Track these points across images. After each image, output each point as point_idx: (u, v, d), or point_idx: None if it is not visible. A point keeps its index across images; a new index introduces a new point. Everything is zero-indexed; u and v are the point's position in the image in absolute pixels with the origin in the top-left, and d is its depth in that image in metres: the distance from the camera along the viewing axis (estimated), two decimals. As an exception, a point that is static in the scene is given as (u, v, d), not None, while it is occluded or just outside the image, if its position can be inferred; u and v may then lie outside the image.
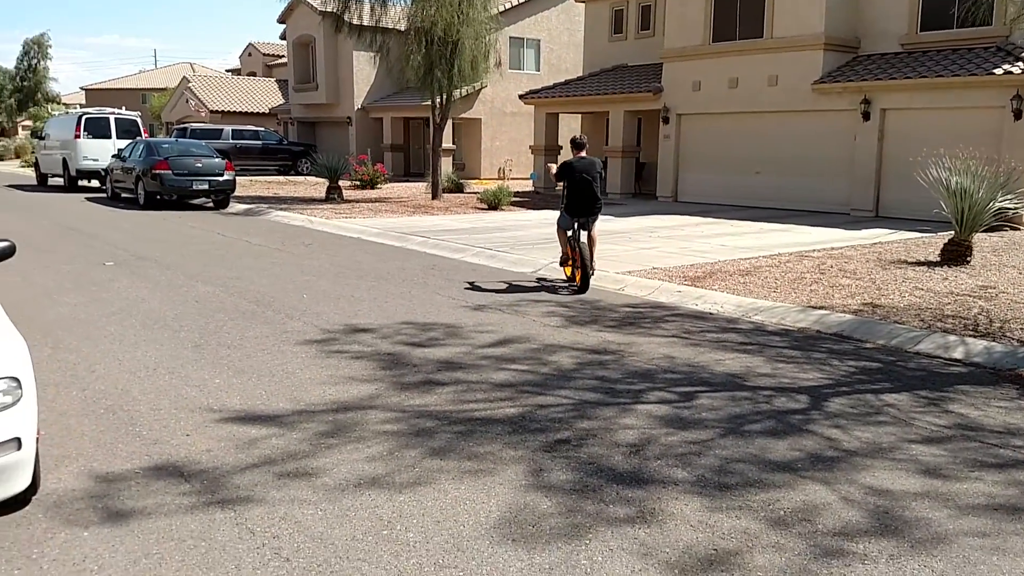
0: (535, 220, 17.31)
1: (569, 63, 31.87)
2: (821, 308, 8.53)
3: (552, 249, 12.57)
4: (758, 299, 9.02)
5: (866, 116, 18.10)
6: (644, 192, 24.13)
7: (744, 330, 7.91)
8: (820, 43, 18.74)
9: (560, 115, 26.65)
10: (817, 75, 18.86)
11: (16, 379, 3.51)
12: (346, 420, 5.18)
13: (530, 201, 21.98)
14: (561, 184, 10.14)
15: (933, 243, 13.28)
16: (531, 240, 13.81)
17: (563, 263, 10.29)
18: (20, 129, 76.78)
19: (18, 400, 3.48)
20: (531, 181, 26.80)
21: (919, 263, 11.54)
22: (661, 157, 22.78)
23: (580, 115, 27.73)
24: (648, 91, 22.31)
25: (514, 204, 20.57)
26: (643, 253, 12.44)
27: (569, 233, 10.00)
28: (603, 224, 16.08)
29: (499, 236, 14.25)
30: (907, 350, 7.19)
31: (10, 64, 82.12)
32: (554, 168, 10.34)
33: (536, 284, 10.31)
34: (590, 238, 9.91)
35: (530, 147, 27.49)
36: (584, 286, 9.71)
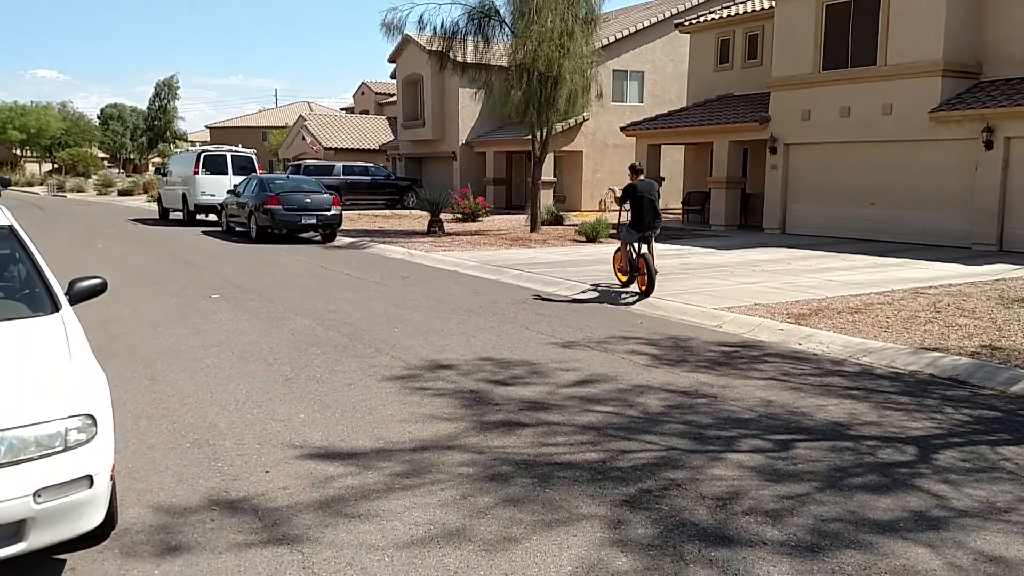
0: (634, 253, 17.03)
1: (673, 94, 31.52)
2: (935, 350, 7.96)
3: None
4: (867, 339, 8.51)
5: (988, 145, 17.06)
6: (750, 224, 23.47)
7: (850, 373, 7.45)
8: (938, 69, 17.85)
9: (663, 147, 26.31)
10: (935, 103, 17.95)
11: (92, 416, 3.57)
12: (423, 461, 5.10)
13: (631, 234, 21.66)
14: (624, 206, 11.83)
15: (1066, 279, 12.31)
16: (628, 274, 13.54)
17: (624, 273, 11.79)
18: (150, 165, 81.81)
19: (92, 438, 3.53)
20: (632, 213, 26.48)
21: (1049, 301, 10.68)
22: (768, 188, 22.12)
23: (683, 146, 27.32)
24: (755, 120, 21.78)
25: (612, 236, 20.31)
26: (745, 288, 12.00)
27: (636, 246, 11.49)
28: (704, 257, 15.79)
29: (593, 269, 14.06)
30: (1033, 398, 6.59)
31: (143, 105, 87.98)
32: (618, 191, 11.74)
33: (598, 293, 11.69)
34: (650, 249, 11.42)
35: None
36: (650, 290, 11.05)
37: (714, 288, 11.96)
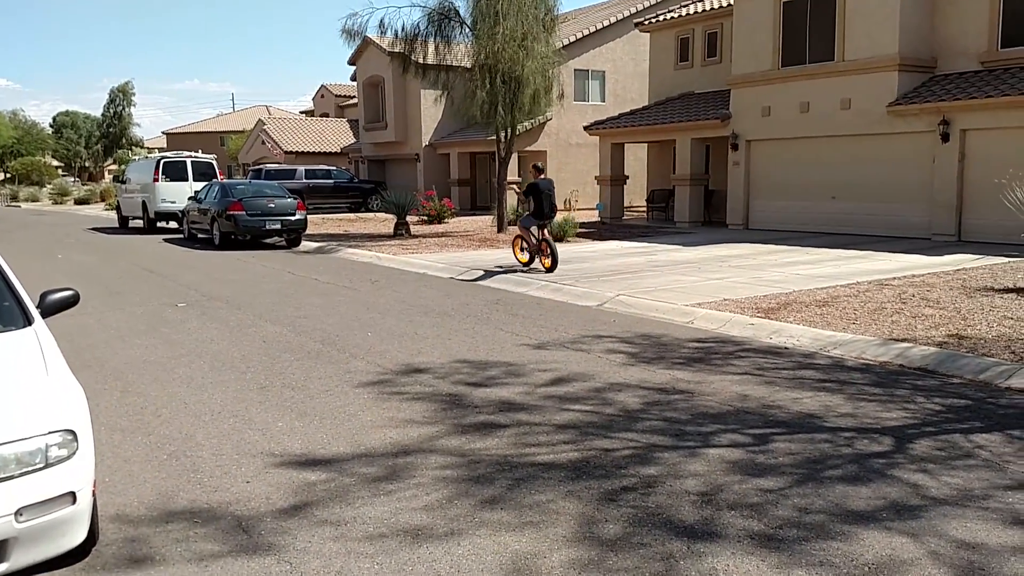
0: (601, 251, 17.12)
1: (635, 92, 31.74)
2: (903, 341, 8.11)
3: (619, 281, 12.38)
4: (836, 332, 8.64)
5: (945, 138, 17.43)
6: (714, 220, 23.72)
7: (822, 366, 7.56)
8: (895, 64, 18.19)
9: (626, 145, 26.49)
10: (892, 97, 18.29)
11: (72, 432, 3.50)
12: (405, 465, 5.07)
13: (596, 232, 21.79)
14: (528, 198, 14.34)
15: (1023, 268, 12.61)
16: (597, 272, 13.61)
17: (531, 253, 14.18)
18: (106, 173, 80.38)
19: (73, 453, 3.46)
20: (597, 212, 26.64)
21: (1008, 290, 10.94)
22: (731, 184, 22.38)
23: (646, 144, 27.52)
24: (716, 118, 22.01)
25: (580, 235, 20.43)
26: (713, 284, 12.12)
27: (535, 231, 14.05)
28: (671, 254, 15.93)
29: (563, 268, 14.09)
30: (998, 385, 6.75)
31: (98, 111, 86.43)
32: (519, 188, 15.30)
33: (507, 268, 13.97)
34: (549, 233, 14.29)
35: (596, 178, 27.38)
36: (555, 266, 13.56)
37: (683, 285, 12.06)
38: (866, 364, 7.59)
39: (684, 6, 26.35)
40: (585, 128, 27.35)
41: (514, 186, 16.09)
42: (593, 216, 26.67)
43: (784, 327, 8.97)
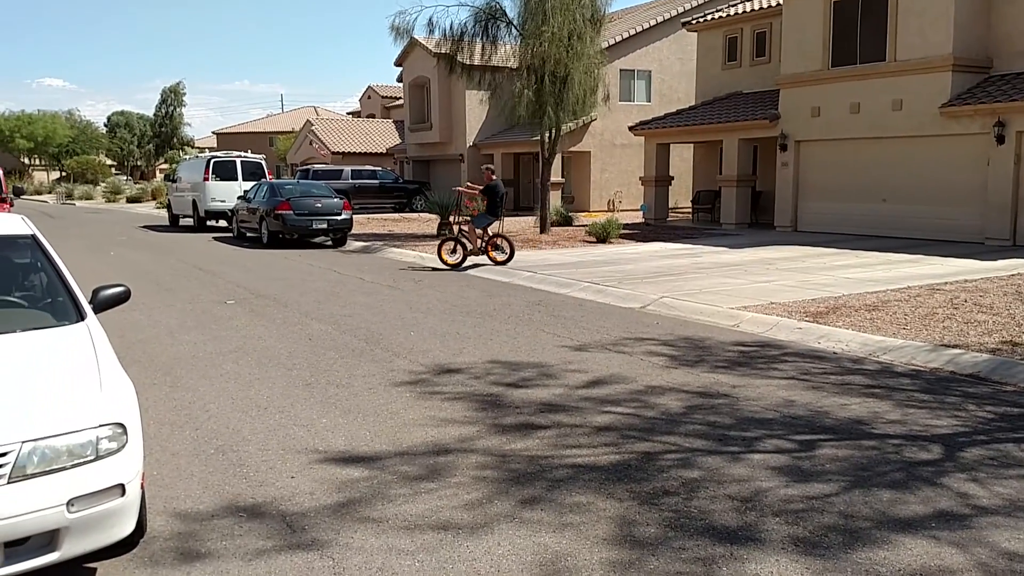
0: (645, 253, 17.02)
1: (681, 92, 31.49)
2: (955, 347, 7.93)
3: (663, 283, 12.29)
4: (886, 337, 8.47)
5: (1000, 140, 16.97)
6: (761, 222, 23.41)
7: (870, 371, 7.42)
8: (948, 64, 17.77)
9: (671, 145, 26.29)
10: (945, 98, 17.87)
11: (122, 425, 3.59)
12: (445, 464, 5.10)
13: (640, 233, 21.66)
14: (484, 199, 15.88)
15: (1082, 274, 12.23)
16: (640, 274, 13.54)
17: (474, 252, 15.24)
18: (157, 172, 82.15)
19: (123, 446, 3.54)
20: (641, 213, 26.49)
21: (1067, 296, 10.62)
22: (779, 186, 22.06)
23: (692, 144, 27.28)
24: (764, 118, 21.73)
25: (623, 236, 20.32)
26: (760, 287, 11.96)
27: (489, 230, 15.45)
28: (717, 256, 15.76)
29: (607, 270, 14.05)
30: (1055, 394, 6.55)
31: (150, 111, 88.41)
32: (468, 189, 16.83)
33: (469, 264, 15.28)
34: (501, 230, 15.65)
35: (640, 178, 27.21)
36: (512, 256, 15.18)
37: (729, 287, 11.93)
38: (916, 370, 7.43)
39: (732, 5, 26.05)
40: (630, 128, 27.20)
41: (470, 185, 17.31)
42: (637, 217, 26.52)
43: (832, 331, 8.82)
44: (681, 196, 30.01)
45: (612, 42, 29.69)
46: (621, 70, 31.56)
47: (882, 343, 8.25)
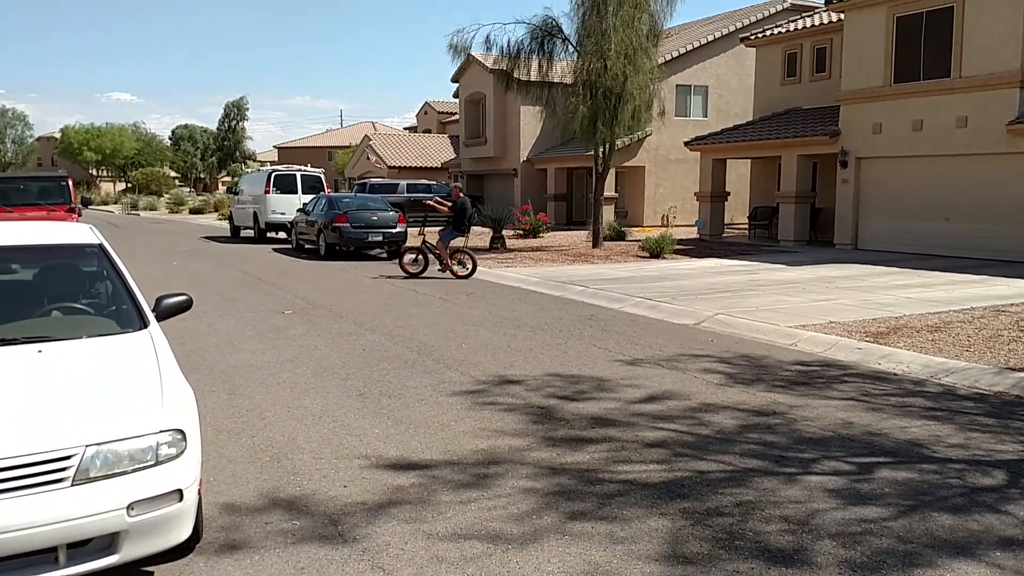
0: (699, 269, 16.84)
1: (738, 108, 31.17)
2: (1021, 370, 7.66)
3: (718, 299, 12.15)
4: (949, 359, 8.24)
5: (1073, 156, 16.42)
6: (820, 240, 22.99)
7: (932, 394, 7.22)
8: (1016, 81, 17.28)
9: (728, 161, 26.03)
10: (1012, 115, 17.36)
11: (181, 431, 3.67)
12: (494, 475, 5.11)
13: (694, 249, 21.46)
14: (451, 213, 16.54)
15: None
16: (694, 290, 13.40)
17: (443, 266, 16.20)
18: (220, 184, 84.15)
19: (182, 452, 3.62)
20: (696, 228, 26.24)
21: None
22: (839, 203, 21.66)
23: (749, 160, 26.98)
24: (824, 134, 21.38)
25: (677, 252, 20.15)
26: (819, 305, 11.74)
27: (456, 244, 16.35)
28: (774, 274, 15.53)
29: (660, 285, 13.94)
30: None
31: (213, 125, 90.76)
32: (437, 204, 17.35)
33: (437, 274, 16.22)
34: (465, 243, 16.49)
35: (695, 194, 26.98)
36: (474, 271, 16.07)
37: (787, 305, 11.74)
38: (980, 393, 7.21)
39: (792, 21, 25.76)
40: (686, 143, 27.01)
41: (440, 200, 17.69)
42: (692, 233, 26.28)
43: (893, 352, 8.61)
44: (737, 212, 29.66)
45: (668, 57, 29.57)
46: (677, 85, 31.40)
47: (944, 365, 8.02)
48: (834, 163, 21.72)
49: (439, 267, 16.33)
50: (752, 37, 26.67)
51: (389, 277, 16.12)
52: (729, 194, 26.41)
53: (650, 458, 5.46)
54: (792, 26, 25.14)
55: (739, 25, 31.05)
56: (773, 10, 30.76)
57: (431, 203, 17.55)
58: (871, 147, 20.55)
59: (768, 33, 25.89)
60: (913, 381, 7.68)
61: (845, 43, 21.12)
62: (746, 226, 27.25)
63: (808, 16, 25.64)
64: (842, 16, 21.59)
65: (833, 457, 5.49)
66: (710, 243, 23.56)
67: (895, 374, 7.95)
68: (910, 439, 5.87)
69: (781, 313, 11.03)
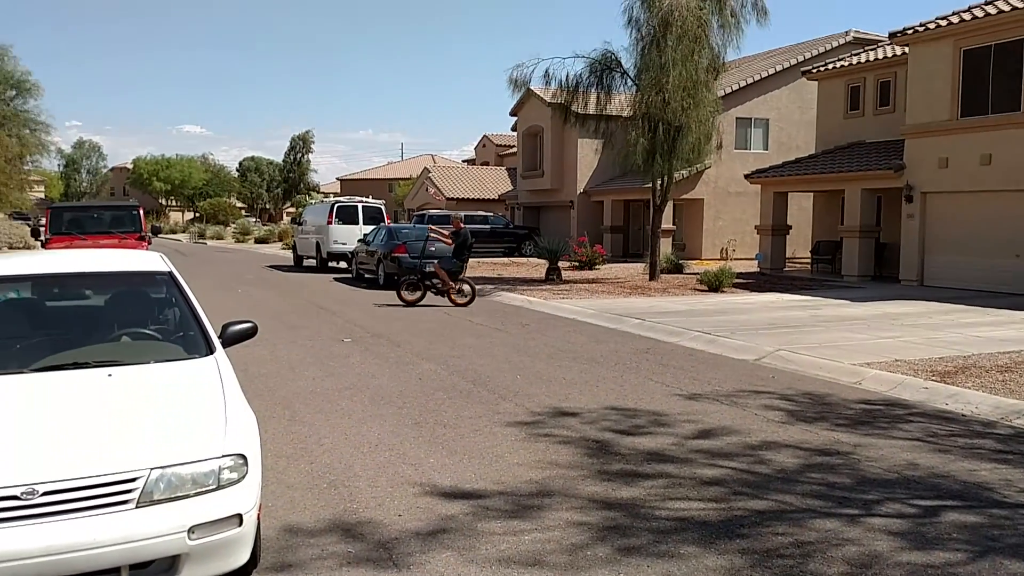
0: (760, 303, 16.59)
1: (800, 141, 30.81)
2: (1100, 414, 7.34)
3: (779, 335, 11.95)
4: (1020, 400, 7.95)
5: None
6: (885, 275, 22.46)
7: (1002, 436, 6.96)
8: (1092, 112, 16.75)
9: (789, 194, 25.69)
10: (1089, 147, 16.82)
11: (243, 456, 3.74)
12: (547, 507, 5.08)
13: (755, 283, 21.15)
14: (453, 243, 16.84)
15: None
16: (755, 325, 13.19)
17: (441, 293, 16.62)
18: (284, 215, 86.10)
19: (243, 477, 3.69)
20: (756, 262, 25.89)
21: None
22: (904, 238, 21.16)
23: (812, 194, 26.58)
24: (888, 168, 20.97)
25: (737, 286, 19.88)
26: (884, 343, 11.45)
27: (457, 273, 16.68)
28: (837, 309, 15.23)
29: (719, 319, 13.76)
30: None
31: (279, 157, 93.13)
32: (436, 234, 17.75)
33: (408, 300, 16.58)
34: (464, 272, 17.07)
35: (755, 227, 26.66)
36: (472, 301, 16.50)
37: (850, 342, 11.48)
38: (1055, 437, 6.92)
39: (855, 55, 25.45)
40: (746, 176, 26.76)
41: (436, 230, 18.12)
42: (752, 267, 25.93)
43: (961, 392, 8.34)
44: (799, 246, 29.20)
45: (729, 90, 29.45)
46: (737, 118, 31.23)
47: (1016, 407, 7.73)
48: (899, 197, 21.27)
49: (438, 293, 16.65)
50: (814, 71, 26.41)
51: (445, 307, 16.24)
52: (791, 228, 26.03)
53: (707, 495, 5.37)
54: (855, 59, 24.84)
55: (800, 58, 30.79)
56: (835, 43, 30.43)
57: (431, 232, 18.12)
58: (937, 182, 20.08)
59: (830, 67, 25.61)
60: (982, 423, 7.42)
61: (910, 76, 20.77)
62: (808, 260, 26.79)
63: (871, 49, 25.29)
64: (907, 49, 21.25)
65: (897, 499, 5.33)
66: (771, 277, 23.20)
67: (963, 415, 7.70)
68: (979, 482, 5.66)
69: (845, 350, 10.78)
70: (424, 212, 36.52)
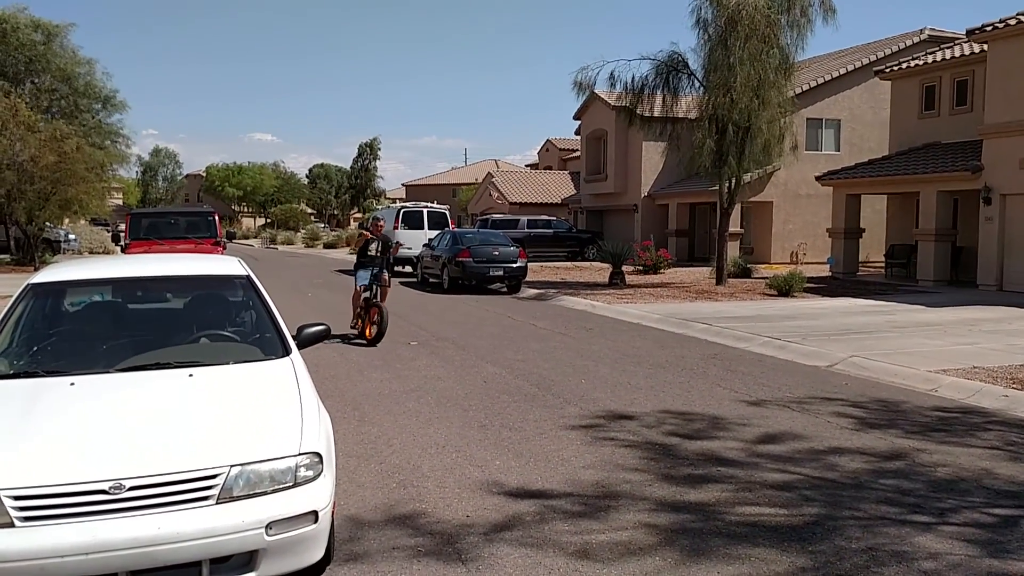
0: (832, 308, 16.23)
1: (872, 142, 30.03)
2: None
3: (852, 341, 11.70)
4: (1107, 409, 7.62)
5: None
6: (962, 280, 21.73)
7: (1087, 445, 6.69)
8: None
9: (863, 196, 25.08)
10: None
11: (319, 455, 3.85)
12: (616, 509, 5.09)
13: (826, 287, 20.69)
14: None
15: None
16: (827, 330, 12.91)
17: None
18: (351, 220, 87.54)
19: (319, 475, 3.80)
20: (828, 266, 25.33)
21: None
22: (982, 241, 20.45)
23: (885, 196, 25.89)
24: (965, 169, 20.31)
25: (808, 290, 19.48)
26: (961, 349, 11.10)
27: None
28: (912, 315, 14.82)
29: (789, 325, 13.52)
30: None
31: (347, 164, 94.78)
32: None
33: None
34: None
35: (827, 230, 26.08)
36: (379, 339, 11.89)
37: (926, 348, 11.16)
38: None
39: (930, 53, 24.72)
40: (817, 178, 26.22)
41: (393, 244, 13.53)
42: (823, 271, 25.38)
43: (1042, 400, 8.04)
44: (872, 250, 28.47)
45: (799, 91, 28.87)
46: (808, 119, 30.61)
47: (1105, 416, 7.42)
48: (976, 200, 20.57)
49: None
50: (887, 70, 25.75)
51: (509, 311, 16.32)
52: (864, 231, 25.40)
53: (775, 500, 5.31)
54: (930, 58, 24.13)
55: (873, 58, 30.04)
56: (910, 42, 29.59)
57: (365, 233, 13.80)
58: (1017, 183, 19.35)
59: (904, 66, 24.92)
60: (1067, 432, 7.14)
61: (988, 74, 20.08)
62: (882, 264, 26.10)
63: (948, 47, 24.53)
64: (985, 47, 20.56)
65: (973, 507, 5.18)
66: (843, 282, 22.67)
67: (1047, 424, 7.42)
68: (1063, 494, 5.46)
69: (921, 357, 10.49)
70: (488, 216, 36.72)
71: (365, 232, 13.82)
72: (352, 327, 12.64)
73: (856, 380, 9.49)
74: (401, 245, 16.18)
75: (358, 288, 12.58)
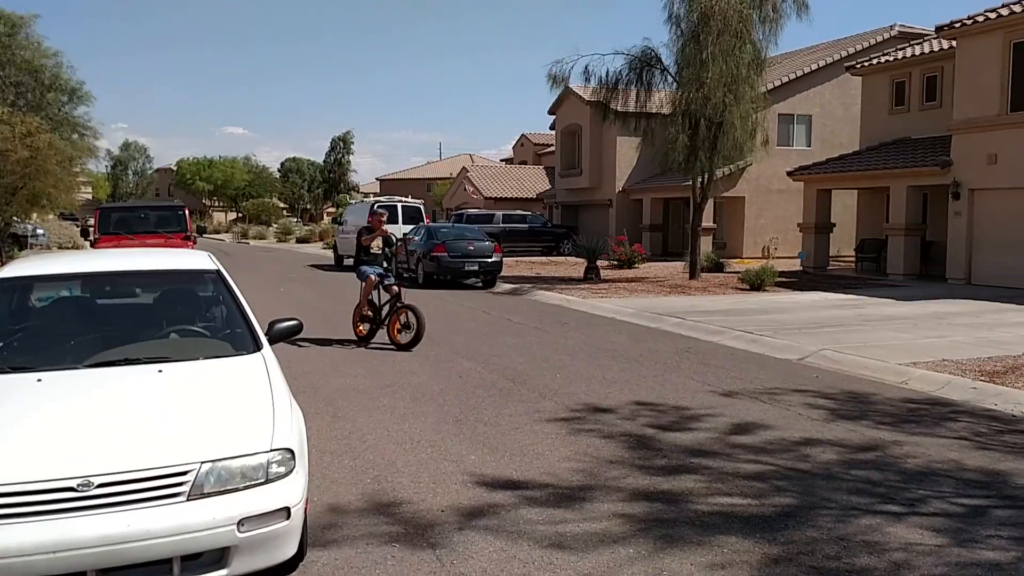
0: (803, 302, 16.38)
1: (844, 138, 30.32)
2: None
3: (823, 334, 11.82)
4: (1071, 400, 7.76)
5: None
6: (932, 274, 22.04)
7: (1052, 436, 6.81)
8: None
9: (833, 191, 25.33)
10: None
11: (291, 451, 3.82)
12: (590, 500, 5.11)
13: (797, 281, 20.90)
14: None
15: None
16: (798, 324, 13.04)
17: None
18: (325, 215, 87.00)
19: (291, 471, 3.77)
20: (799, 260, 25.58)
21: None
22: (951, 236, 20.74)
23: (856, 191, 26.17)
24: (935, 165, 20.58)
25: (779, 285, 19.66)
26: (931, 342, 11.26)
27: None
28: (883, 308, 14.99)
29: (761, 319, 13.63)
30: None
31: (320, 158, 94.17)
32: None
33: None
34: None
35: (798, 225, 26.32)
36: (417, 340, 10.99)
37: (896, 342, 11.30)
38: (1109, 438, 6.76)
39: (900, 49, 25.01)
40: (789, 174, 26.44)
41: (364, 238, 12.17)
42: (794, 265, 25.62)
43: (1010, 392, 8.18)
44: (843, 244, 28.77)
45: (771, 86, 29.10)
46: (780, 114, 30.84)
47: (1069, 407, 7.56)
48: (945, 194, 20.86)
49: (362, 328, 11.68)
50: (858, 65, 26.02)
51: (484, 306, 16.30)
52: (835, 225, 25.67)
53: (748, 490, 5.35)
54: (900, 54, 24.41)
55: (844, 54, 30.34)
56: (880, 38, 29.92)
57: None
58: (985, 178, 19.65)
59: (875, 61, 25.20)
60: (1033, 423, 7.27)
61: (957, 71, 20.36)
62: (852, 259, 26.41)
63: (917, 44, 24.85)
64: (954, 43, 20.83)
65: (942, 497, 5.26)
66: (814, 276, 22.90)
67: (1013, 415, 7.55)
68: (1029, 483, 5.55)
69: (890, 350, 10.62)
70: (463, 211, 36.67)
71: (375, 230, 12.11)
72: (364, 329, 11.47)
73: (827, 373, 9.59)
74: (406, 242, 14.69)
75: (371, 277, 11.36)
